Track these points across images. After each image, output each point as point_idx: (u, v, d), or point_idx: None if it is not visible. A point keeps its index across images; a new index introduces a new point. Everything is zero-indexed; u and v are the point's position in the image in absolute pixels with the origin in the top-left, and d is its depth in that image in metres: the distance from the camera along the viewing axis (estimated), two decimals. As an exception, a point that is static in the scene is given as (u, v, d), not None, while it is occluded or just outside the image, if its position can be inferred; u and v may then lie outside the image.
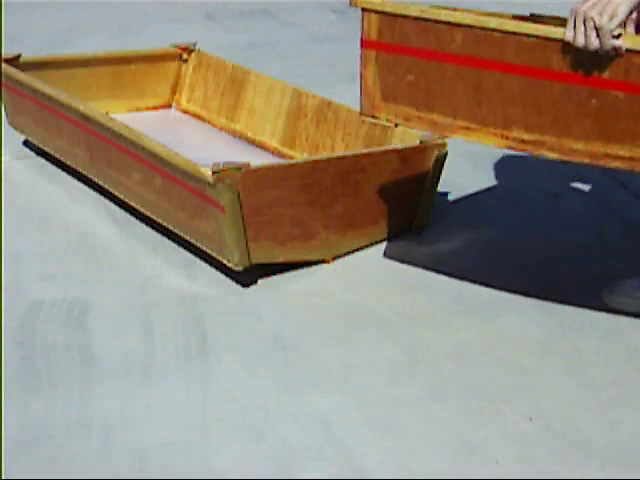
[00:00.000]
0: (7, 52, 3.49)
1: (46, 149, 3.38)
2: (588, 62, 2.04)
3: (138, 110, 3.69)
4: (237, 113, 3.60)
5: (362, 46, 2.32)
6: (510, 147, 2.19)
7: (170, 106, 3.78)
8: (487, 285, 2.65)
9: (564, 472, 1.97)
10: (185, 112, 3.75)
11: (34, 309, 2.52)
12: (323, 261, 2.75)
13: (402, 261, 2.77)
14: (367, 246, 2.84)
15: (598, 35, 2.01)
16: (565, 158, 2.14)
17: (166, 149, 2.68)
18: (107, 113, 3.20)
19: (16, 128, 3.52)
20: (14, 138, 3.57)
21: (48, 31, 5.11)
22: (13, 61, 3.40)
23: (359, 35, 2.33)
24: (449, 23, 2.17)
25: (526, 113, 2.14)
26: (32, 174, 3.36)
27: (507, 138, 2.18)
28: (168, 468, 1.97)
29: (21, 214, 3.06)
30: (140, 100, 3.71)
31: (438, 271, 2.73)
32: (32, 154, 3.50)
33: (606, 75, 2.02)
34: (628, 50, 1.99)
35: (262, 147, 3.46)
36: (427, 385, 2.24)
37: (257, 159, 2.79)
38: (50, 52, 4.09)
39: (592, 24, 2.01)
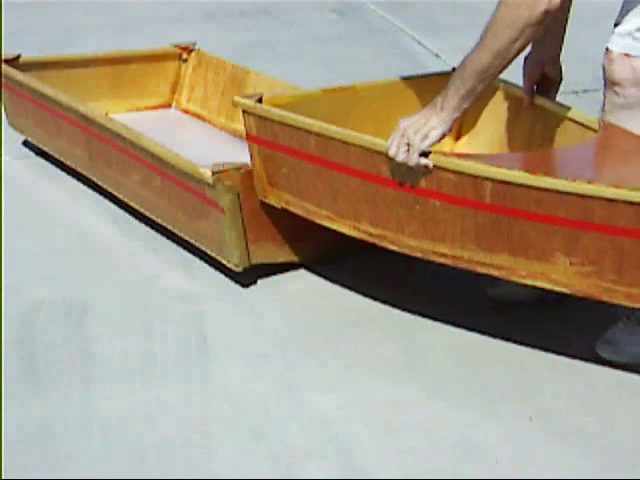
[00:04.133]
0: (7, 52, 3.49)
1: (46, 149, 3.38)
2: (408, 173, 2.16)
3: (138, 110, 3.68)
4: (237, 113, 3.58)
5: (247, 139, 2.50)
6: (362, 238, 2.35)
7: (170, 106, 3.77)
8: (486, 285, 2.64)
9: (564, 472, 1.97)
10: (185, 112, 3.74)
11: (34, 309, 2.52)
12: (323, 261, 2.75)
13: (402, 261, 2.77)
14: (367, 246, 2.83)
15: (408, 151, 2.13)
16: (403, 252, 2.29)
17: (166, 149, 2.67)
18: (107, 113, 3.20)
19: (16, 128, 3.52)
20: (14, 138, 3.57)
21: (48, 31, 5.12)
22: (13, 61, 3.40)
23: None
24: (304, 129, 2.32)
25: (370, 210, 2.29)
26: (32, 174, 3.36)
27: (359, 230, 2.34)
28: (168, 468, 1.97)
29: (21, 214, 3.06)
30: (140, 100, 3.70)
31: (438, 271, 2.73)
32: (32, 154, 3.50)
33: (423, 185, 2.15)
34: (438, 167, 2.10)
35: (262, 147, 3.45)
36: (427, 385, 2.24)
37: (257, 159, 2.79)
38: (50, 52, 4.08)
39: (406, 140, 2.13)
